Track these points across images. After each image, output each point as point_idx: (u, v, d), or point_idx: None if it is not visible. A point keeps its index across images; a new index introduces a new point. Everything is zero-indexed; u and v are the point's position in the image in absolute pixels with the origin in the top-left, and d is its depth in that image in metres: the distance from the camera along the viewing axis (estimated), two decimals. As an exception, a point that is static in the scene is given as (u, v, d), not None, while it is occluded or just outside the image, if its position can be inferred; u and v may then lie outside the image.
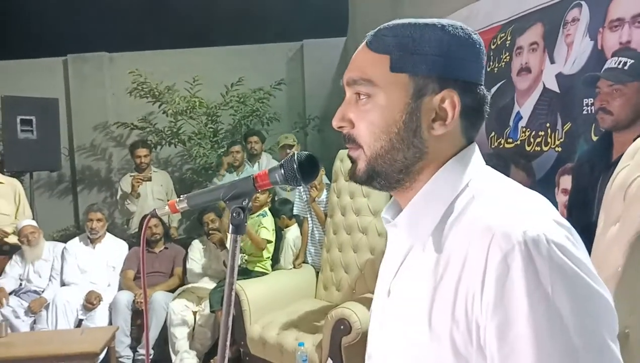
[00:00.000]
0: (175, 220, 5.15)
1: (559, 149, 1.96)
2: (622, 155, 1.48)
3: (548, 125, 2.03)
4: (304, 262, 3.97)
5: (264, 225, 3.77)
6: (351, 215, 3.58)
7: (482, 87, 0.73)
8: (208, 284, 4.02)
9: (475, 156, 0.74)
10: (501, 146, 2.32)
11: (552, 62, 2.03)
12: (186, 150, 5.64)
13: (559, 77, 1.99)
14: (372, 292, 3.07)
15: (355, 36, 5.45)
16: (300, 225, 4.02)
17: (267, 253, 3.83)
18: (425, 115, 0.71)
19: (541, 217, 0.63)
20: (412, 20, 0.72)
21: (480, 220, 0.65)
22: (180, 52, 6.07)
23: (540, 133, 2.07)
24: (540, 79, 2.10)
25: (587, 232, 1.50)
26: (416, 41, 0.70)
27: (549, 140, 2.02)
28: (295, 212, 4.06)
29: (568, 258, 0.59)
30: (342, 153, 3.74)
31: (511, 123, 2.26)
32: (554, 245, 0.59)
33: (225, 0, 6.05)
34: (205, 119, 5.50)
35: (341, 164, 3.69)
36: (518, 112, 2.23)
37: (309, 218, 4.00)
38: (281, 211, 3.96)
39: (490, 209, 0.66)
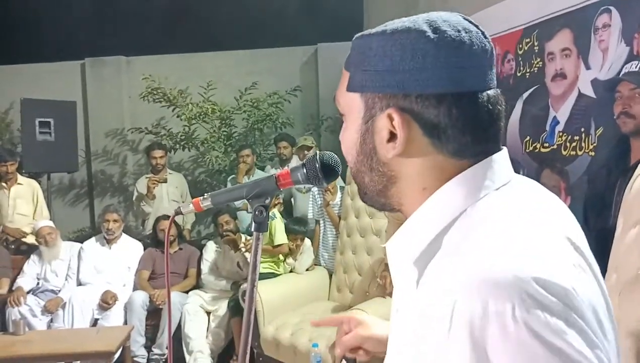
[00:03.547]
0: (189, 223, 5.19)
1: (593, 154, 1.97)
2: (640, 159, 1.48)
3: (583, 129, 2.04)
4: (317, 265, 3.99)
5: (277, 229, 3.79)
6: (365, 218, 3.59)
7: (478, 93, 0.60)
8: (222, 285, 4.05)
9: (485, 175, 0.61)
10: (536, 150, 2.33)
11: (588, 67, 2.05)
12: (200, 154, 5.69)
13: (595, 82, 2.00)
14: (385, 295, 3.07)
15: (369, 40, 5.46)
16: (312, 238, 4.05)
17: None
18: (377, 137, 0.64)
19: (522, 273, 0.50)
20: (371, 30, 0.64)
21: (452, 267, 0.55)
22: (196, 56, 6.12)
23: (575, 137, 2.09)
24: (575, 85, 2.11)
25: (605, 235, 1.51)
26: (364, 55, 0.63)
27: (583, 144, 2.03)
28: (309, 216, 4.08)
29: (541, 342, 0.48)
30: (356, 156, 3.74)
31: (548, 127, 2.27)
32: (522, 324, 0.48)
33: (241, 5, 6.10)
34: (219, 123, 5.54)
35: (355, 166, 3.70)
36: (554, 117, 2.24)
37: (322, 222, 4.01)
38: (295, 230, 3.87)
39: (466, 256, 0.54)
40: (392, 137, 0.62)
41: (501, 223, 0.56)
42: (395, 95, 0.61)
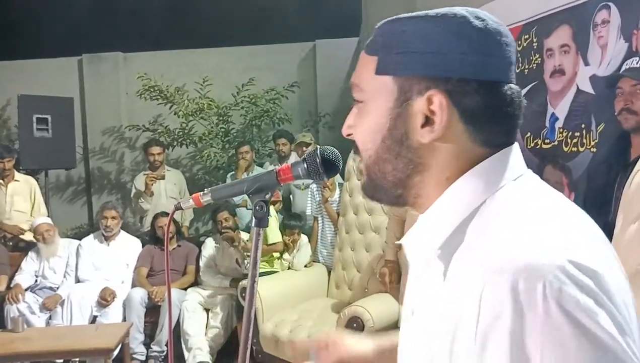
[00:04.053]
0: (188, 219, 5.19)
1: (594, 150, 1.97)
2: (640, 155, 1.48)
3: (583, 126, 2.04)
4: (315, 261, 3.99)
5: (271, 227, 3.78)
6: (364, 214, 3.59)
7: (503, 84, 0.61)
8: (221, 282, 4.05)
9: (505, 164, 0.62)
10: (538, 146, 2.34)
11: (587, 64, 2.04)
12: (197, 151, 5.68)
13: (593, 78, 2.00)
14: (384, 291, 3.07)
15: (368, 36, 5.44)
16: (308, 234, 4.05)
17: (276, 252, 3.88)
18: (411, 121, 0.62)
19: (555, 254, 0.50)
20: (404, 15, 0.63)
21: (482, 251, 0.55)
22: (193, 52, 6.11)
23: (576, 134, 2.09)
24: (574, 81, 2.11)
25: (605, 231, 1.50)
26: (400, 38, 0.62)
27: (584, 141, 2.03)
28: (308, 212, 4.08)
29: (571, 320, 0.47)
30: (355, 152, 3.74)
31: (547, 124, 2.27)
32: (553, 301, 0.47)
33: (239, 1, 6.08)
34: (217, 119, 5.53)
35: (354, 162, 3.70)
36: (553, 113, 2.25)
37: (320, 219, 4.01)
38: (291, 225, 3.88)
39: (496, 237, 0.55)
40: (427, 122, 0.61)
41: (527, 211, 0.57)
42: (435, 78, 0.60)
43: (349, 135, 0.71)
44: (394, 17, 0.64)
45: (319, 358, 0.97)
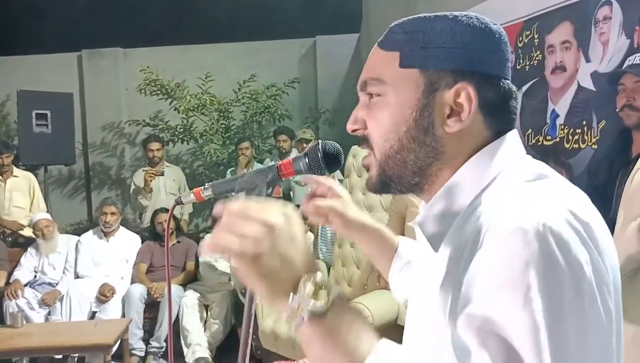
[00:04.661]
0: (187, 213, 5.18)
1: (595, 147, 1.97)
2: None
3: (584, 122, 2.03)
4: (315, 258, 3.99)
5: None
6: (363, 211, 3.58)
7: (506, 80, 0.68)
8: (220, 278, 4.05)
9: (506, 148, 0.68)
10: (539, 143, 2.33)
11: (588, 60, 2.04)
12: (198, 147, 5.67)
13: (594, 75, 1.99)
14: (384, 288, 3.05)
15: (368, 32, 5.44)
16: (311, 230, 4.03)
17: None
18: (438, 111, 0.66)
19: (553, 205, 0.56)
20: (423, 15, 0.69)
21: (486, 213, 0.60)
22: (194, 48, 6.10)
23: (577, 130, 2.08)
24: (575, 78, 2.10)
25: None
26: (426, 34, 0.67)
27: (585, 137, 2.02)
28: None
29: (560, 250, 0.53)
30: (355, 149, 3.74)
31: (548, 120, 2.26)
32: (549, 232, 0.53)
33: (239, -3, 6.07)
34: (217, 115, 5.52)
35: (353, 159, 3.69)
36: (554, 110, 2.24)
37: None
38: None
39: (501, 201, 0.60)
40: (452, 112, 0.66)
41: (532, 184, 0.63)
42: (463, 72, 0.66)
43: (354, 130, 0.73)
44: (416, 15, 0.70)
45: (311, 195, 0.98)
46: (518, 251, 0.53)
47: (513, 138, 0.70)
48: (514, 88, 0.70)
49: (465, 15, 0.68)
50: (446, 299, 0.63)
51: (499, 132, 0.69)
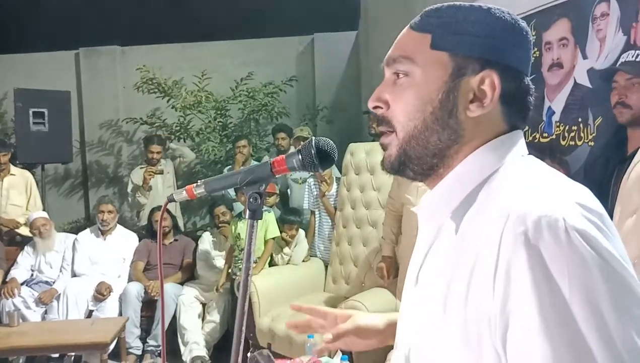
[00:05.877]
0: (178, 209, 5.17)
1: (592, 144, 1.96)
2: (637, 149, 1.47)
3: (580, 120, 2.03)
4: (312, 256, 3.98)
5: (270, 222, 3.75)
6: (361, 209, 3.58)
7: (527, 77, 0.71)
8: (217, 276, 4.04)
9: (516, 142, 0.71)
10: (536, 140, 2.32)
11: (585, 57, 2.03)
12: (195, 145, 5.66)
13: (591, 72, 1.98)
14: (381, 286, 3.06)
15: (366, 30, 5.43)
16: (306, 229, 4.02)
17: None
18: (463, 95, 0.69)
19: (566, 199, 0.58)
20: (457, 3, 0.72)
21: (498, 202, 0.62)
22: (191, 46, 6.08)
23: (573, 128, 2.07)
24: (571, 74, 2.09)
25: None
26: (459, 21, 0.70)
27: (582, 134, 2.02)
28: (305, 206, 4.06)
29: (591, 247, 0.54)
30: (352, 146, 3.73)
31: (545, 118, 2.25)
32: (574, 232, 0.54)
33: (236, -6, 6.05)
34: (214, 113, 5.51)
35: (351, 157, 3.69)
36: (550, 107, 2.23)
37: (317, 213, 4.00)
38: (289, 220, 3.82)
39: (512, 191, 0.62)
40: (475, 97, 0.69)
41: (537, 174, 0.66)
42: (490, 61, 0.69)
43: (375, 107, 0.75)
44: (451, 3, 0.73)
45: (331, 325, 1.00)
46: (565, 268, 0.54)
47: (521, 134, 0.74)
48: (532, 86, 0.72)
49: (498, 8, 0.71)
50: (449, 289, 0.64)
51: (513, 126, 0.72)
